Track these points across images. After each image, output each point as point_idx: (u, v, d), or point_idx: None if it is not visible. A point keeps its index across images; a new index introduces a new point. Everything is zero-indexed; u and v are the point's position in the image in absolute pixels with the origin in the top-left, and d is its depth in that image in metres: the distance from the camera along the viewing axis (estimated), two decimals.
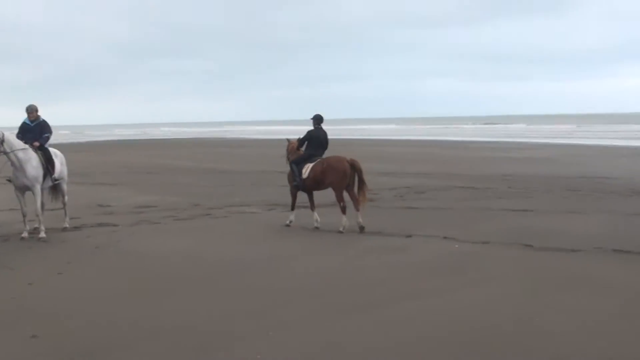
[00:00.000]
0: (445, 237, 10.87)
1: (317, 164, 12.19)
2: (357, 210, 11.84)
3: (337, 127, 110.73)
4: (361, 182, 11.95)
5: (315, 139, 12.53)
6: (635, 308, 6.94)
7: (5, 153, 11.33)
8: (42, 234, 11.33)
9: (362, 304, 7.20)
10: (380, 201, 15.78)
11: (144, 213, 14.21)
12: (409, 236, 11.10)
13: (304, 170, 12.32)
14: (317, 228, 12.09)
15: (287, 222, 12.46)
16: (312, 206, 12.54)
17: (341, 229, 11.64)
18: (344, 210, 11.81)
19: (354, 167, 11.95)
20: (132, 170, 26.48)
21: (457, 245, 10.25)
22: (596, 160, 28.50)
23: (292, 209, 12.61)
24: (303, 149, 12.72)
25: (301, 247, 10.50)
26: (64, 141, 57.64)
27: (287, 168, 12.94)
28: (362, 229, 11.63)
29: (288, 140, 13.44)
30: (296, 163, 12.54)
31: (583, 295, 7.40)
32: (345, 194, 11.99)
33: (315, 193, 12.69)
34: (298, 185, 12.45)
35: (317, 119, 12.68)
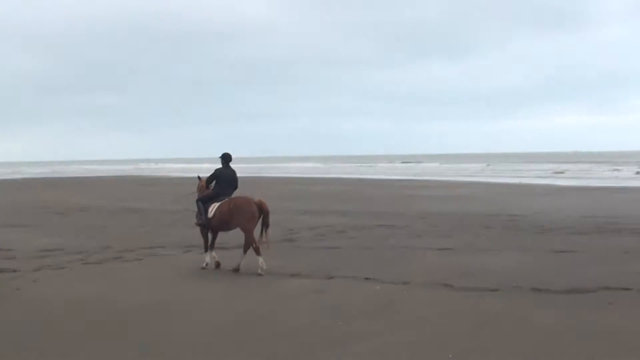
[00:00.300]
0: (366, 278, 10.69)
1: (224, 204, 11.85)
2: (245, 253, 11.58)
3: (258, 165, 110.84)
4: (265, 226, 11.71)
5: (224, 178, 12.21)
6: (556, 349, 6.90)
7: None
8: None
9: (281, 353, 6.86)
10: (301, 241, 15.53)
11: (49, 257, 13.37)
12: (330, 278, 10.85)
13: (210, 209, 11.97)
14: (218, 266, 11.83)
15: (204, 264, 11.99)
16: (212, 246, 12.14)
17: (260, 272, 11.28)
18: (257, 251, 11.45)
19: (261, 209, 11.68)
20: (38, 210, 25.17)
21: (378, 287, 10.07)
22: (506, 198, 29.34)
23: (206, 250, 12.16)
24: (212, 187, 12.39)
25: (218, 291, 10.06)
26: None
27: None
28: (237, 270, 11.45)
29: (199, 177, 13.08)
30: (203, 201, 12.18)
31: (505, 336, 7.32)
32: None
33: (230, 234, 12.32)
34: (203, 224, 12.07)
35: (225, 158, 12.39)
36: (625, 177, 52.00)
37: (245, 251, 11.63)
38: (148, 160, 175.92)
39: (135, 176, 70.92)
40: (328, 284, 10.36)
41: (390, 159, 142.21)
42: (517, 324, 7.81)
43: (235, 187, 12.34)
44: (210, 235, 12.19)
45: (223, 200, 11.94)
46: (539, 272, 11.04)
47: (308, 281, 10.63)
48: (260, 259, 11.36)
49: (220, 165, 12.42)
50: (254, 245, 11.51)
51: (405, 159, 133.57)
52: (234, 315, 8.48)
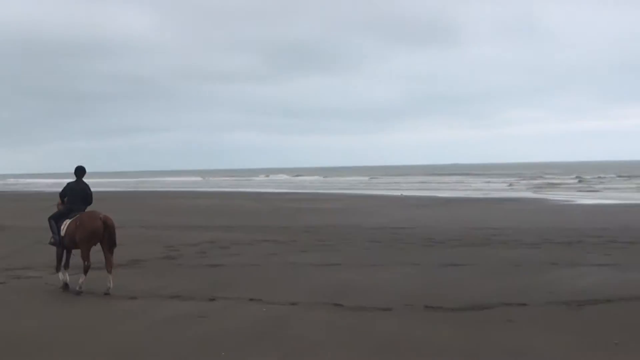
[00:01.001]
0: (251, 299, 9.87)
1: (72, 222, 10.87)
2: (109, 272, 10.62)
3: (137, 179, 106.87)
4: (111, 243, 10.79)
5: (74, 193, 11.24)
6: None
7: None
8: None
9: None
10: (181, 258, 14.49)
11: None
12: (212, 299, 9.94)
13: (62, 227, 10.95)
14: (66, 288, 10.78)
15: (77, 287, 10.72)
16: (67, 265, 11.10)
17: (78, 288, 10.47)
18: (86, 270, 10.59)
19: (106, 225, 10.69)
20: None
21: (264, 309, 9.29)
22: (391, 210, 29.52)
23: (58, 269, 11.10)
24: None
25: (89, 319, 8.87)
26: None
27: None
28: (107, 293, 10.44)
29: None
30: (55, 219, 11.16)
31: None
32: None
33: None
34: (57, 243, 11.03)
35: (77, 171, 11.42)
36: (500, 189, 54.43)
37: (109, 270, 10.63)
38: (19, 176, 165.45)
39: (3, 192, 66.16)
40: (210, 307, 9.46)
41: (272, 172, 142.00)
42: (415, 347, 7.27)
43: (88, 203, 11.32)
44: (65, 254, 11.16)
45: (74, 216, 10.96)
46: (431, 288, 10.68)
47: (189, 304, 9.67)
48: (82, 278, 10.53)
49: (73, 179, 11.45)
50: (85, 263, 10.62)
51: (287, 172, 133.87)
52: (104, 347, 7.40)
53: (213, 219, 25.00)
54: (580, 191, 48.89)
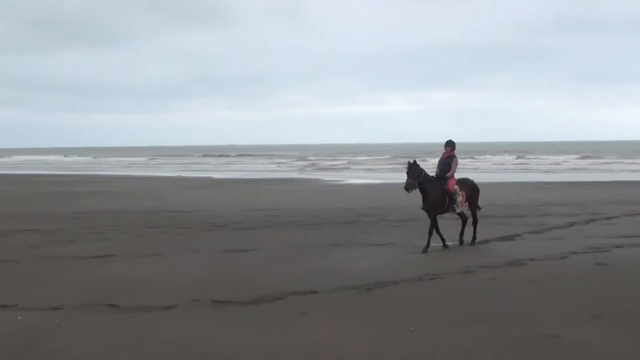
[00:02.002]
0: (3, 306, 8.27)
1: None
2: None
3: None
4: None
5: None
6: None
7: None
8: None
9: None
10: None
11: None
12: None
13: None
14: None
15: None
16: None
17: None
18: None
19: None
20: None
21: (20, 317, 7.78)
22: (168, 193, 28.19)
23: None
24: None
25: None
26: None
27: None
28: None
29: None
30: None
31: None
32: None
33: None
34: None
35: None
36: (273, 170, 55.42)
37: None
38: None
39: None
40: None
41: (37, 152, 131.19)
42: (206, 352, 6.41)
43: None
44: None
45: None
46: (218, 279, 9.85)
47: None
48: None
49: None
50: None
51: (56, 152, 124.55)
52: None
53: None
54: (350, 171, 51.28)
